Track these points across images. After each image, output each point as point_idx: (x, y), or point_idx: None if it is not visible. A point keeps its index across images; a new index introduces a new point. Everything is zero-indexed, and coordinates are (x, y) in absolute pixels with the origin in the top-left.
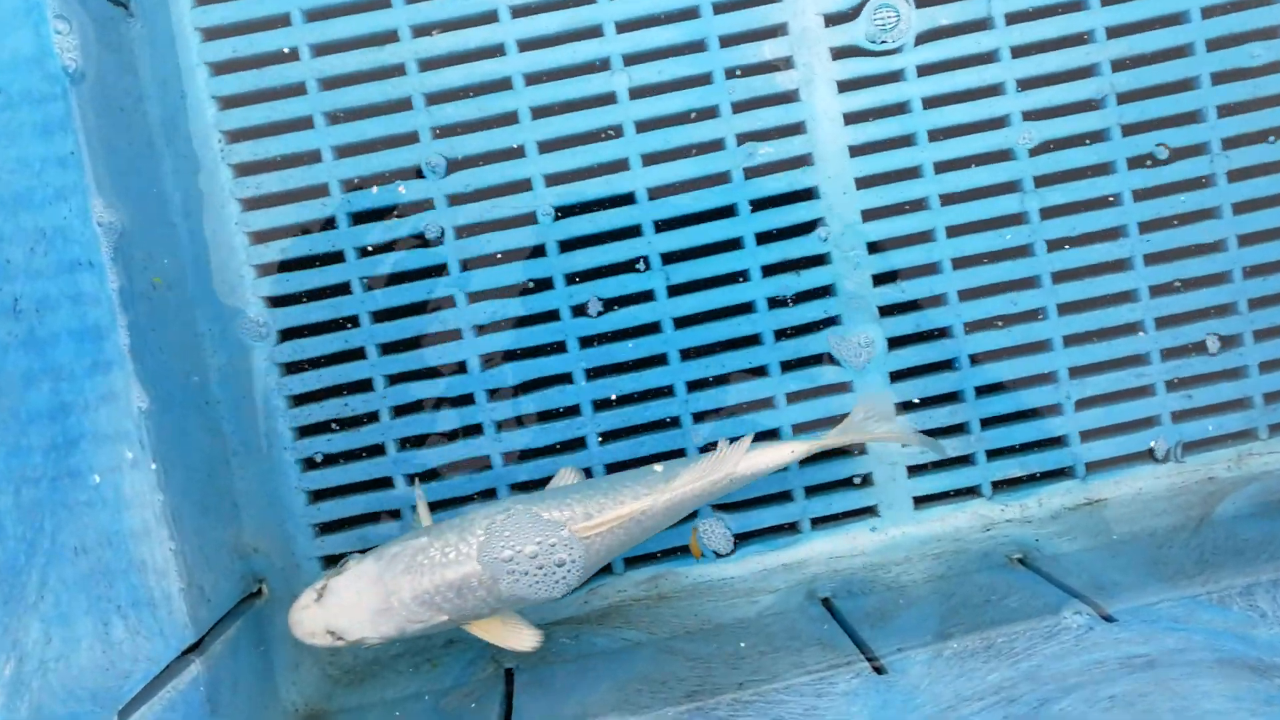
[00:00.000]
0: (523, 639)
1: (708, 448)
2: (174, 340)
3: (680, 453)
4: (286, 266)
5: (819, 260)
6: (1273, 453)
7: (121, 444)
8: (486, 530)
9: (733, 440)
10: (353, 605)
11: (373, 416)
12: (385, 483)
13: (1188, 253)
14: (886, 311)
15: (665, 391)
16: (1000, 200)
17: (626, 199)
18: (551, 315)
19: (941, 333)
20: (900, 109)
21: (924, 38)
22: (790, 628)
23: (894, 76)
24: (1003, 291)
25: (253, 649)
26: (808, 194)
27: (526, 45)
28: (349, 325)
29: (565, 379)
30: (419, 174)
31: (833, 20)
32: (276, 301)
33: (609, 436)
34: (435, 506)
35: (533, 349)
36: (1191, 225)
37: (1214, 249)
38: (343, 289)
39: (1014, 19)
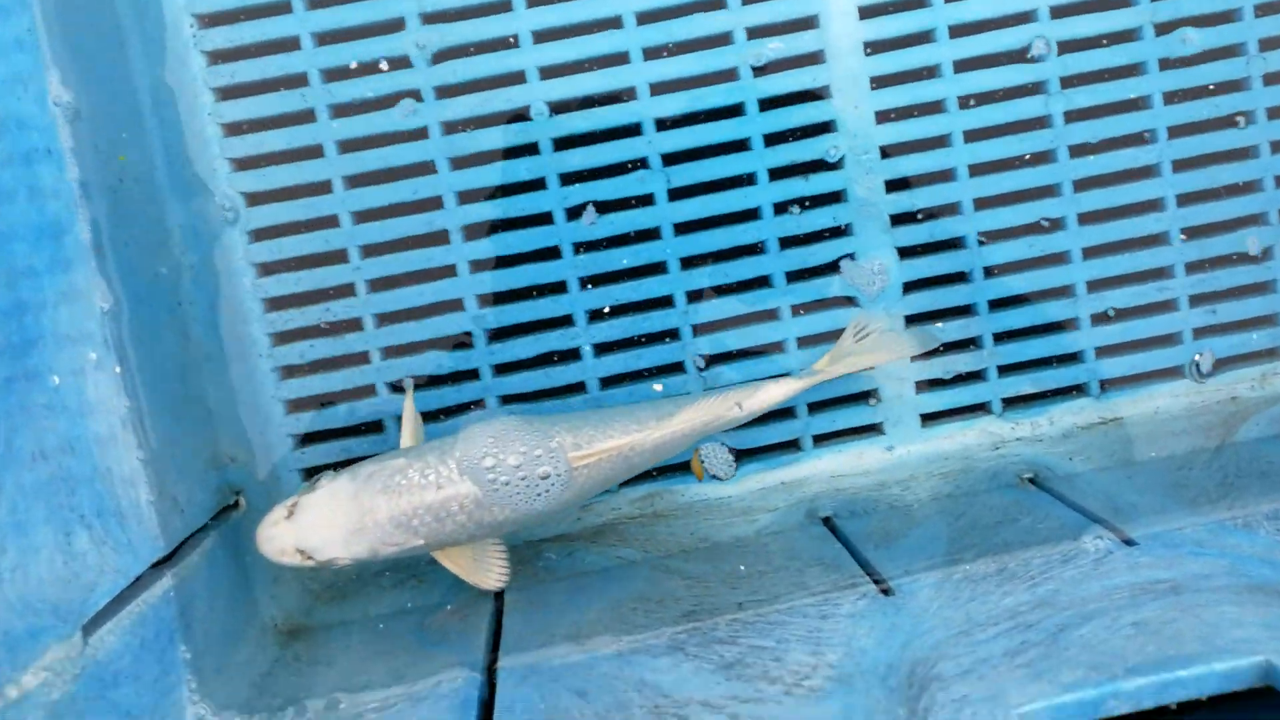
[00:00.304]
0: (489, 578)
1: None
2: (142, 236)
3: (679, 367)
4: (263, 161)
5: (830, 165)
6: None
7: (84, 345)
8: (466, 440)
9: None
10: (325, 524)
11: (355, 324)
12: (369, 391)
13: (1218, 159)
14: (899, 220)
15: (664, 302)
16: (1022, 103)
17: (626, 95)
18: (545, 219)
19: (955, 243)
20: (919, 2)
21: None
22: (789, 547)
23: None
24: (1021, 201)
25: (229, 562)
26: (819, 94)
27: None
28: (329, 225)
29: (559, 287)
30: (406, 64)
31: None
32: (253, 199)
33: (604, 349)
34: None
35: (524, 255)
36: (1223, 131)
37: (1244, 155)
38: (323, 187)
39: None
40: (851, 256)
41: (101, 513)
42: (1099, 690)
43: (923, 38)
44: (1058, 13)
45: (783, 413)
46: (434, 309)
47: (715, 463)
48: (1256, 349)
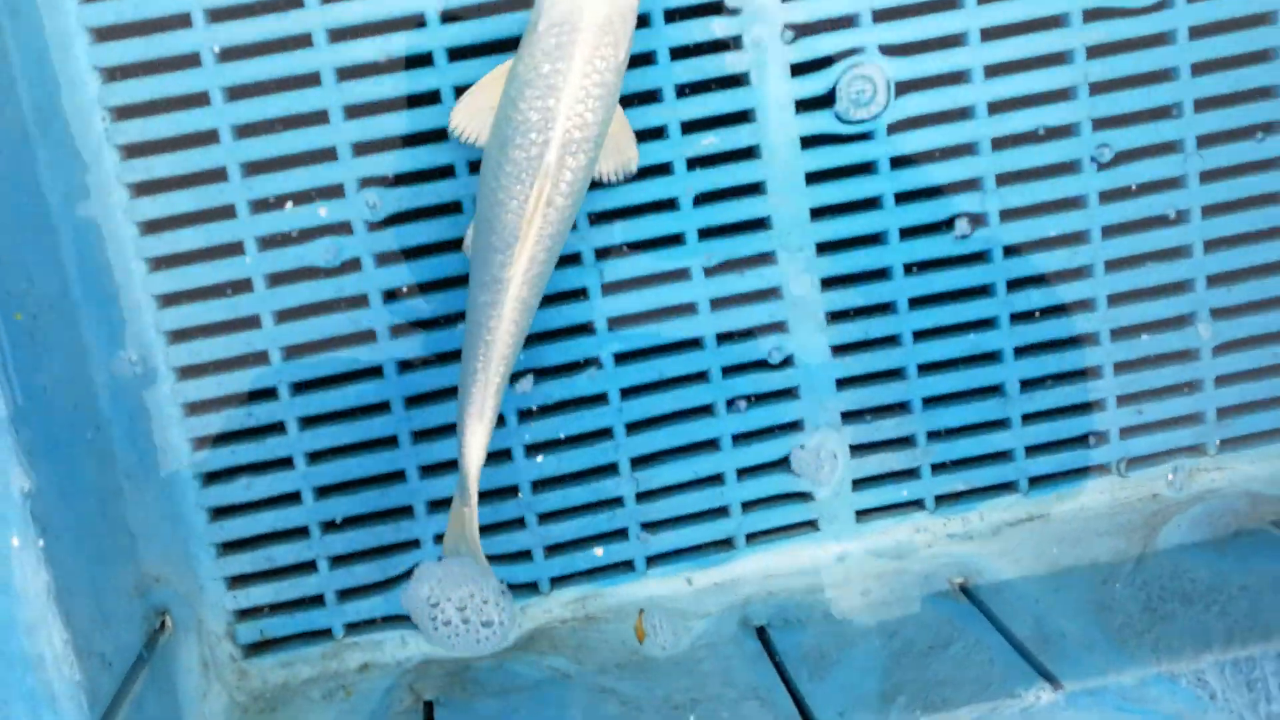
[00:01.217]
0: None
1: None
2: (59, 367)
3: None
4: (180, 260)
5: (765, 259)
6: (1219, 469)
7: (6, 529)
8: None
9: None
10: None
11: (278, 427)
12: (293, 498)
13: (1149, 259)
14: (835, 318)
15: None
16: (956, 199)
17: None
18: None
19: (891, 340)
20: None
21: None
22: (724, 670)
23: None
24: (953, 300)
25: (158, 695)
26: (754, 188)
27: None
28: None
29: None
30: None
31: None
32: (169, 300)
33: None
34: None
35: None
36: (1159, 229)
37: (1177, 255)
38: (245, 285)
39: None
40: (801, 446)
41: (33, 697)
42: None
43: (861, 136)
44: (996, 108)
45: (716, 511)
46: (360, 412)
47: (661, 631)
48: (1179, 446)
